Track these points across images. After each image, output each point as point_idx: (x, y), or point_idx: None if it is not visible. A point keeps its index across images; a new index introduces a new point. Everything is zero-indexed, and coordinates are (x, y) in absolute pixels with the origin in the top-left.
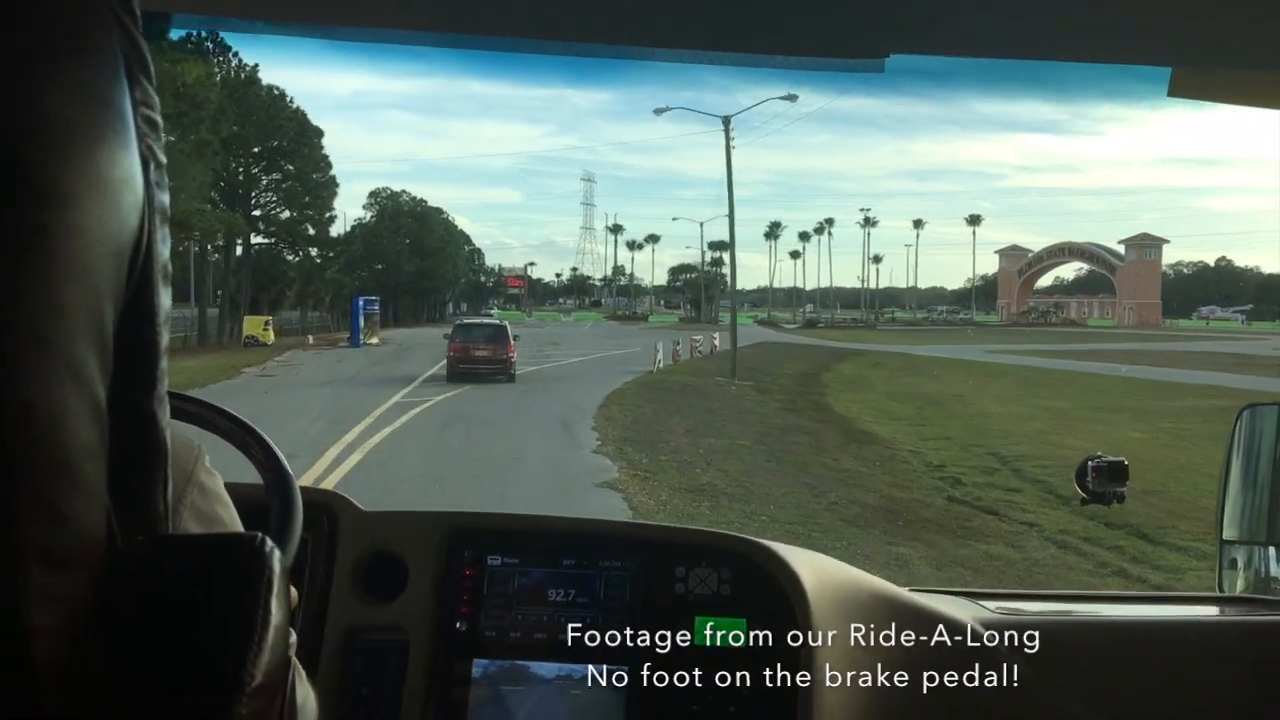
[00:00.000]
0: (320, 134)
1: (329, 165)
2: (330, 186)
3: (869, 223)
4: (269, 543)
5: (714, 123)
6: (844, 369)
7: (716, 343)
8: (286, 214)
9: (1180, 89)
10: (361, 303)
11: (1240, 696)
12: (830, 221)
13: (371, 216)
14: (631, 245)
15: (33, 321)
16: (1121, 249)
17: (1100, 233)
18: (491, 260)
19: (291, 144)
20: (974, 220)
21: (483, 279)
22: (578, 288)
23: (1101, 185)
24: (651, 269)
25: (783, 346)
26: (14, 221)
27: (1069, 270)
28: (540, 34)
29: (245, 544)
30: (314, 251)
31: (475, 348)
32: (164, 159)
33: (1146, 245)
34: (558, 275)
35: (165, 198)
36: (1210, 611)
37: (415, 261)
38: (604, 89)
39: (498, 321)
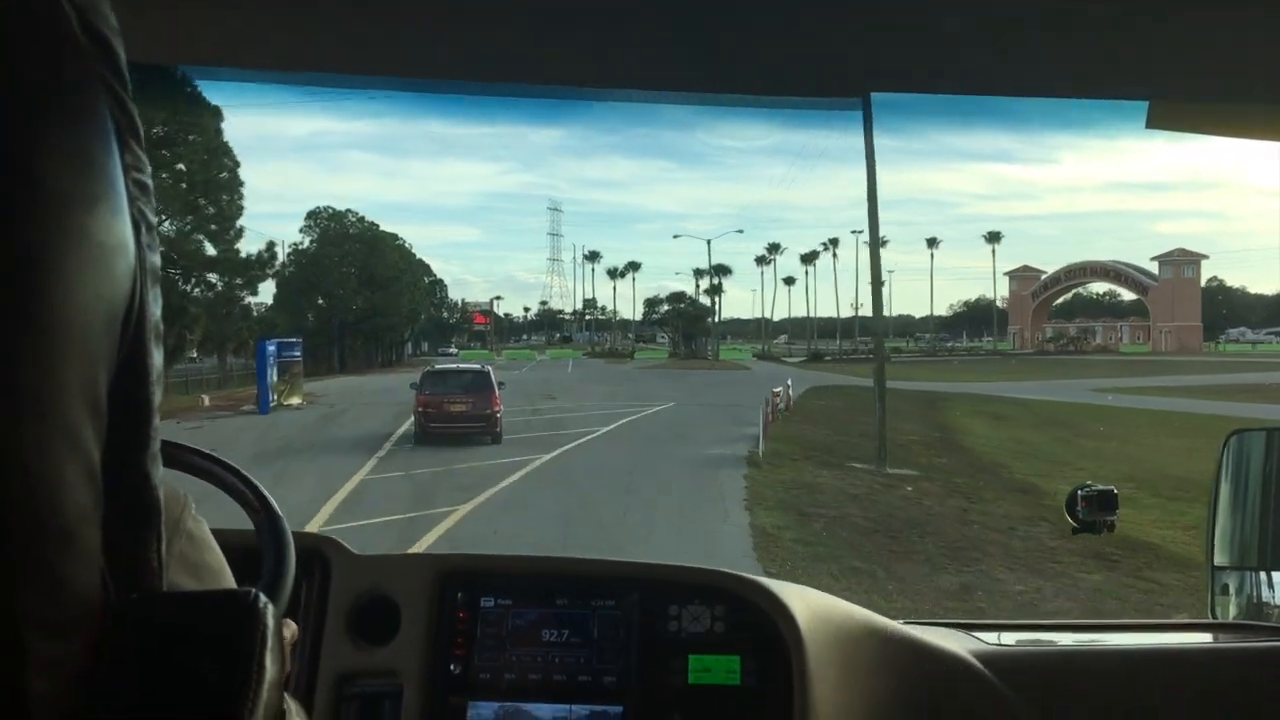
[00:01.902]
0: (218, 114)
1: (233, 159)
2: (234, 188)
3: (881, 243)
4: (262, 598)
5: (676, 156)
6: (972, 427)
7: (793, 394)
8: (170, 227)
9: (1158, 121)
10: (273, 349)
11: None
12: (835, 241)
13: (311, 242)
14: (613, 273)
15: (29, 390)
16: (1154, 267)
17: (1065, 257)
18: (453, 296)
19: (173, 127)
20: (993, 238)
21: (445, 315)
22: (547, 323)
23: (1059, 211)
24: (633, 302)
25: (837, 391)
26: (10, 291)
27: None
28: (509, 78)
29: (239, 600)
30: (213, 278)
31: (451, 401)
32: (155, 220)
33: (1184, 262)
34: (526, 310)
35: (156, 259)
36: (1203, 639)
37: (365, 294)
38: (564, 126)
39: (479, 367)
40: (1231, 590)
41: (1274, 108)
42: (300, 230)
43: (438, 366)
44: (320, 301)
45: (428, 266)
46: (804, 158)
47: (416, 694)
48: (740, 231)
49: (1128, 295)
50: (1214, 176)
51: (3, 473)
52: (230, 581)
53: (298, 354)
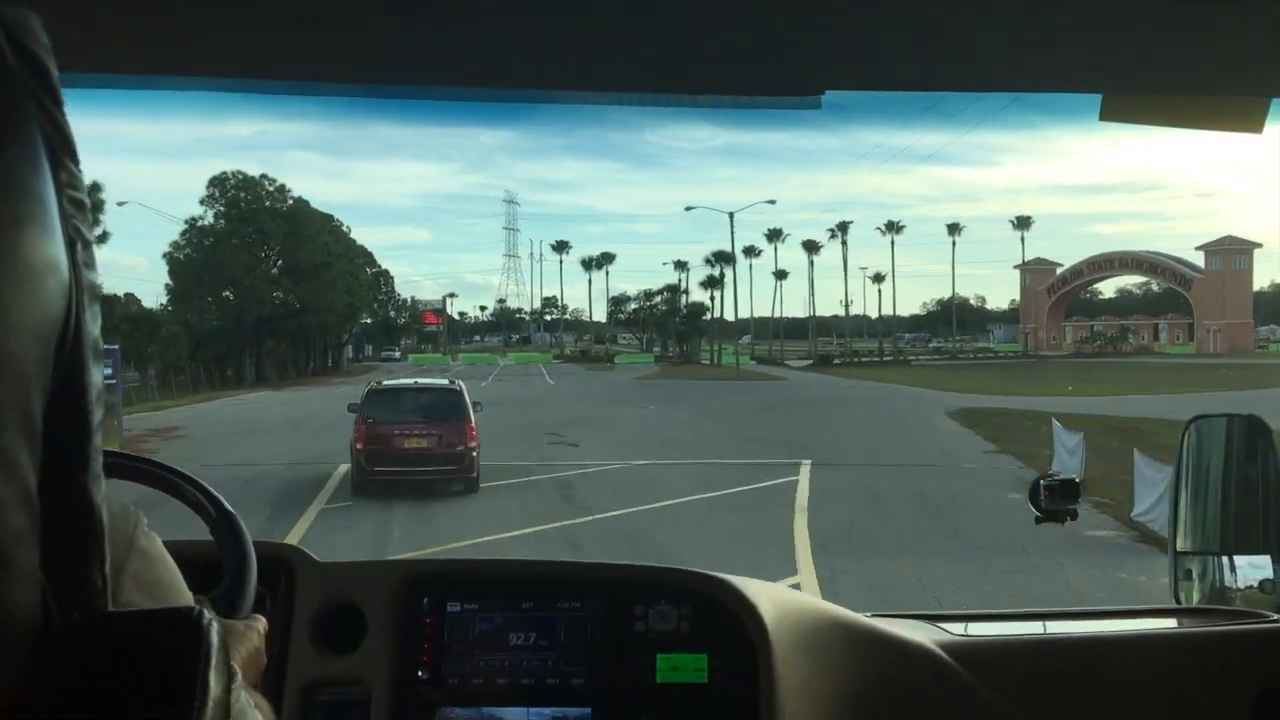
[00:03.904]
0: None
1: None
2: None
3: (893, 227)
4: (206, 615)
5: (626, 157)
6: None
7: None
8: None
9: (1111, 114)
10: None
11: (1201, 708)
12: (844, 227)
13: (216, 217)
14: (588, 264)
15: None
16: (1199, 258)
17: (1010, 256)
18: (402, 294)
19: None
20: (1022, 223)
21: (393, 314)
22: (505, 323)
23: (1000, 212)
24: (604, 299)
25: (986, 415)
26: None
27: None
28: (458, 81)
29: (182, 618)
30: None
31: (405, 432)
32: (91, 238)
33: (1235, 251)
34: (482, 308)
35: (95, 275)
36: (1168, 624)
37: (287, 285)
38: (514, 127)
39: (446, 384)
40: (1194, 575)
41: (1224, 99)
42: (201, 202)
43: (387, 383)
44: (227, 294)
45: (370, 255)
46: (749, 156)
47: (384, 701)
48: (772, 202)
49: (1100, 290)
50: (1152, 179)
51: None
52: (186, 596)
53: (106, 373)
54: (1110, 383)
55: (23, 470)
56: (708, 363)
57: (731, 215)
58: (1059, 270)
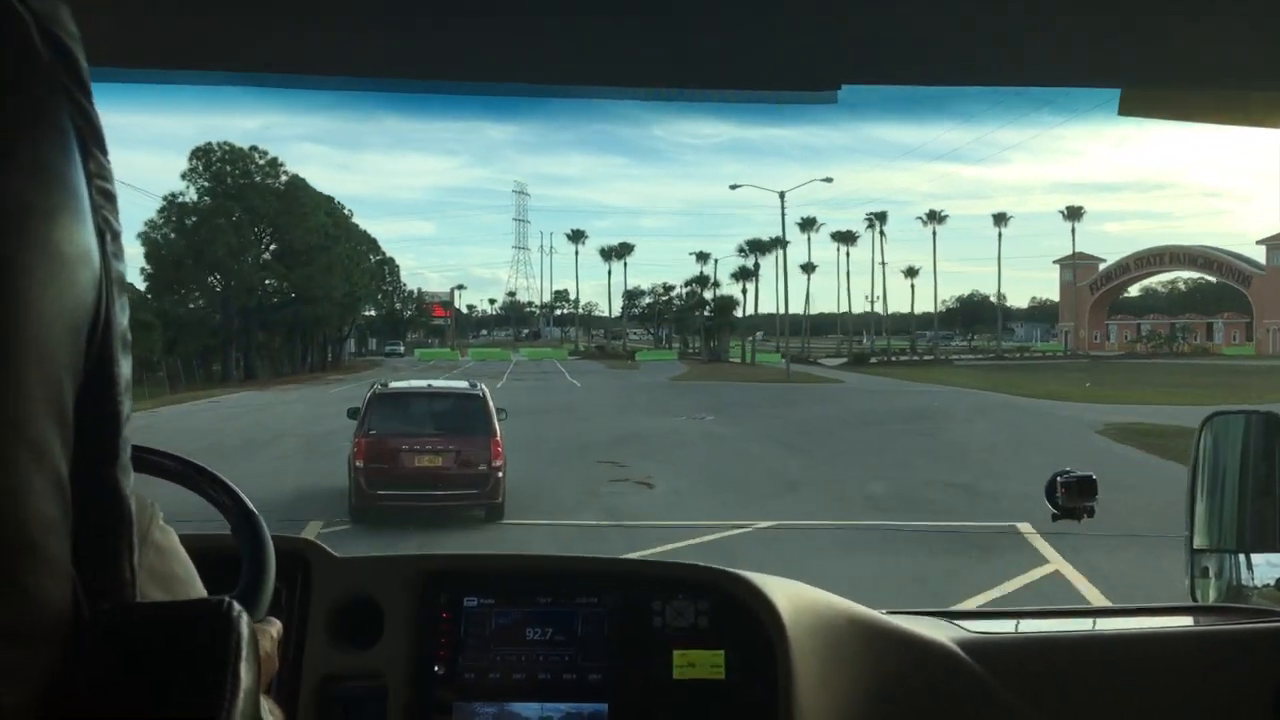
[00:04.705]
0: None
1: None
2: None
3: (935, 217)
4: (236, 607)
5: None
6: None
7: None
8: None
9: (1130, 108)
10: None
11: (1219, 707)
12: (882, 217)
13: (199, 194)
14: (607, 254)
15: None
16: (1260, 253)
17: (1023, 254)
18: (408, 285)
19: None
20: (1074, 214)
21: (398, 306)
22: (515, 317)
23: (1010, 211)
24: (618, 291)
25: (1154, 435)
26: None
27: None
28: (468, 76)
29: (212, 609)
30: None
31: (416, 447)
32: (120, 228)
33: None
34: (492, 302)
35: (122, 267)
36: (1185, 622)
37: (279, 270)
38: (520, 122)
39: (466, 387)
40: (1211, 573)
41: (1244, 94)
42: (183, 176)
43: (394, 385)
44: (212, 279)
45: (374, 242)
46: (753, 153)
47: (401, 695)
48: (829, 180)
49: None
50: (1158, 179)
51: None
52: (200, 591)
53: None
54: (1201, 388)
55: (54, 459)
56: (737, 361)
57: (782, 195)
58: (1101, 266)
